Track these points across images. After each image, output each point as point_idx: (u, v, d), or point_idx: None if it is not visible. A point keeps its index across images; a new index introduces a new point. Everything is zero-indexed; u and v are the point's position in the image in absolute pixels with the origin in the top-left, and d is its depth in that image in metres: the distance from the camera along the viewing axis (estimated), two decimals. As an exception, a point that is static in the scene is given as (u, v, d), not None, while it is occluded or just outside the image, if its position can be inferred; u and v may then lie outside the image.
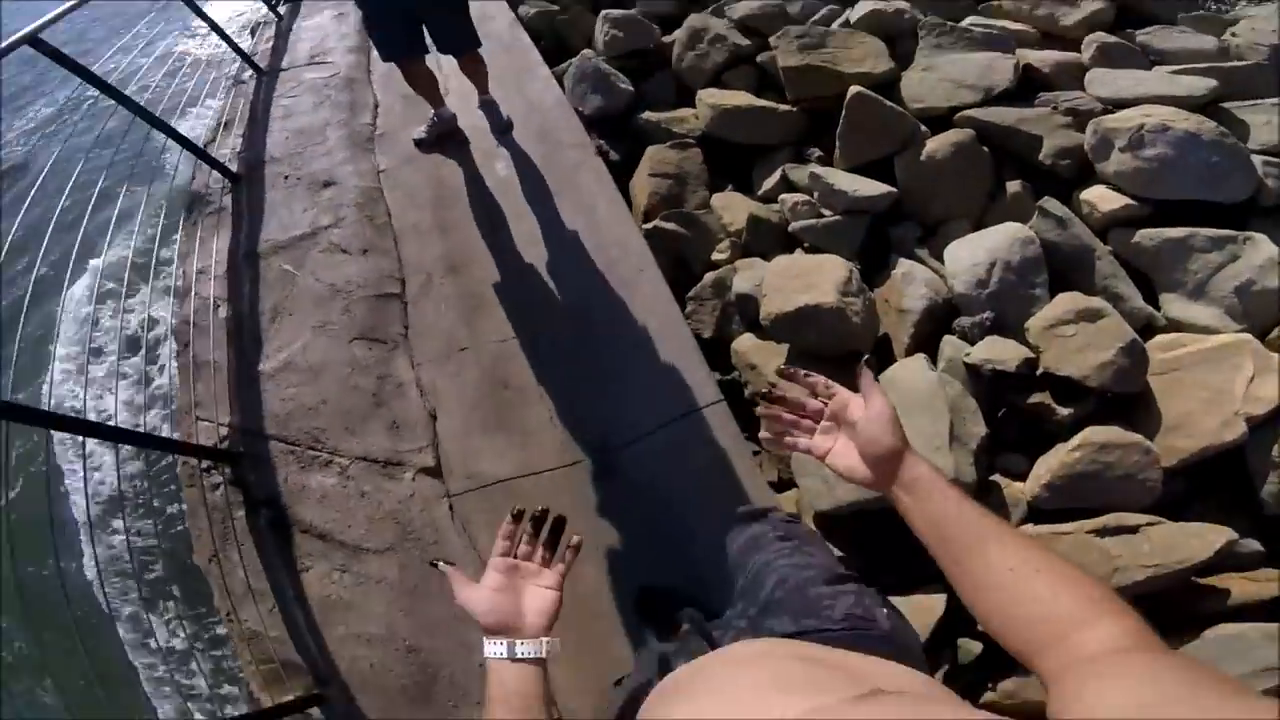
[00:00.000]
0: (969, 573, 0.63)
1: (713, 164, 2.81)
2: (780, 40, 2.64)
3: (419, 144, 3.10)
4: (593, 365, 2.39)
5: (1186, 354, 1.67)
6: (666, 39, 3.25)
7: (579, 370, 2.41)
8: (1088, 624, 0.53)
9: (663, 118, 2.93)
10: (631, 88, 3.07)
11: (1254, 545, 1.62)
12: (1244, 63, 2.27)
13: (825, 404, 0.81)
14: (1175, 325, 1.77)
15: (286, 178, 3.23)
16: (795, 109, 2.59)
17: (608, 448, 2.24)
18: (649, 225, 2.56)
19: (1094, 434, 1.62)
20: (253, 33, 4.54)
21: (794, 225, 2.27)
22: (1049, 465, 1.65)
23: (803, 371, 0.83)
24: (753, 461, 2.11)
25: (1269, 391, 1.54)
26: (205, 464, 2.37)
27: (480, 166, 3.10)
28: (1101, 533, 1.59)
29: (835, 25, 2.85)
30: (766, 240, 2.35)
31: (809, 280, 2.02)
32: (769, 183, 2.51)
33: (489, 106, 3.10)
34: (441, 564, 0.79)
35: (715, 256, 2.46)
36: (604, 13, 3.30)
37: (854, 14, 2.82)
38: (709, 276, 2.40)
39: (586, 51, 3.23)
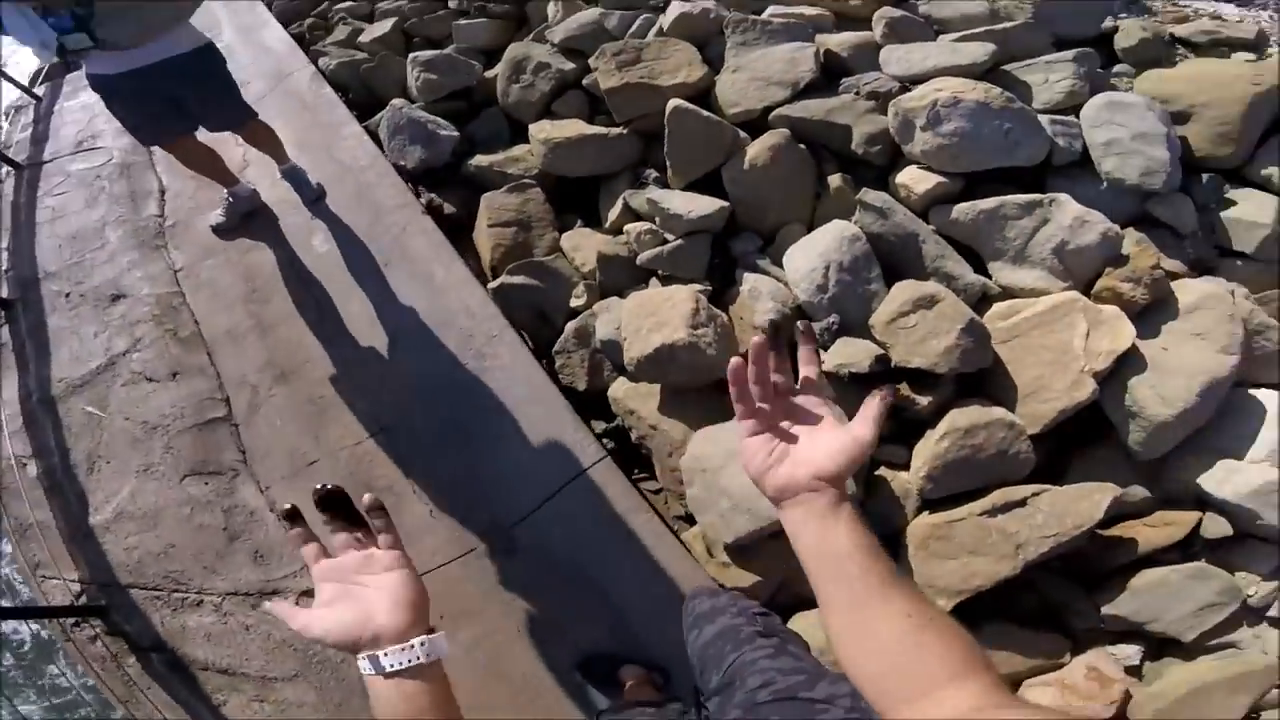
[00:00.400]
0: (855, 618, 0.59)
1: (557, 201, 2.68)
2: (599, 60, 2.52)
3: (218, 230, 2.74)
4: (463, 449, 2.23)
5: (1023, 320, 1.73)
6: (489, 74, 3.07)
7: (449, 457, 2.24)
8: (956, 681, 0.52)
9: (495, 160, 2.75)
10: (456, 132, 2.87)
11: (1140, 492, 1.70)
12: (1014, 23, 2.41)
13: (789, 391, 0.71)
14: (1008, 292, 1.83)
15: (67, 296, 2.79)
16: (627, 131, 2.50)
17: (500, 529, 2.12)
18: (497, 283, 2.40)
19: (957, 419, 1.64)
20: (6, 119, 3.93)
21: (642, 257, 2.19)
22: (924, 456, 1.66)
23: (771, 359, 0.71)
24: (648, 513, 2.03)
25: (1106, 345, 1.61)
26: (73, 621, 2.10)
27: (295, 246, 2.80)
28: (992, 512, 1.62)
29: (650, 35, 2.77)
30: (620, 276, 2.26)
31: (659, 317, 1.94)
32: (613, 213, 2.42)
33: (293, 175, 2.80)
34: (266, 605, 0.66)
35: (573, 303, 2.34)
36: (412, 56, 3.06)
37: (666, 20, 2.76)
38: (570, 327, 2.27)
39: (396, 101, 2.99)
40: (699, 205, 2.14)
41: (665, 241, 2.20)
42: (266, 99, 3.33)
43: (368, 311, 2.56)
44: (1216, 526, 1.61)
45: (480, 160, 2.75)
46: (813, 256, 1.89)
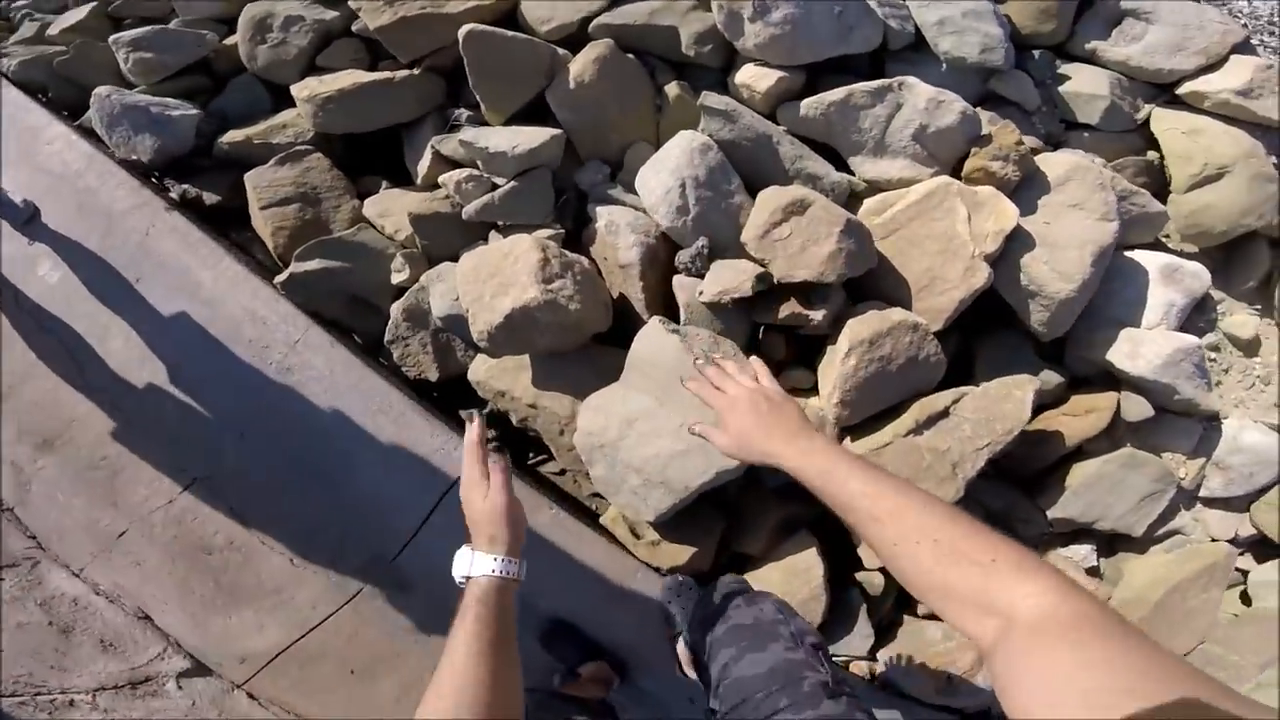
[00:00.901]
0: (887, 539, 0.61)
1: (351, 165, 2.17)
2: (361, 1, 2.03)
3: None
4: (307, 484, 1.76)
5: (899, 212, 1.57)
6: (229, 41, 2.43)
7: (293, 496, 1.76)
8: (1016, 585, 0.51)
9: (253, 132, 2.15)
10: (195, 110, 2.21)
11: (1054, 378, 1.62)
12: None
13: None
14: (875, 187, 1.68)
15: None
16: (418, 71, 2.04)
17: (382, 564, 1.72)
18: (285, 275, 1.87)
19: (858, 330, 1.45)
20: None
21: (469, 210, 1.78)
22: (832, 379, 1.46)
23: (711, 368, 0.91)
24: (551, 509, 1.67)
25: (991, 225, 1.49)
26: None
27: (16, 281, 2.06)
28: (917, 429, 1.45)
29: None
30: (447, 237, 1.82)
31: (503, 278, 1.56)
32: (424, 166, 1.96)
33: None
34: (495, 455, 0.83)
35: (395, 279, 1.87)
36: (114, 38, 2.29)
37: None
38: (396, 309, 1.81)
39: (100, 89, 2.26)
40: (525, 138, 1.76)
41: (495, 187, 1.81)
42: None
43: (133, 344, 1.92)
44: (1136, 408, 1.57)
45: (234, 136, 2.13)
46: (665, 176, 1.61)
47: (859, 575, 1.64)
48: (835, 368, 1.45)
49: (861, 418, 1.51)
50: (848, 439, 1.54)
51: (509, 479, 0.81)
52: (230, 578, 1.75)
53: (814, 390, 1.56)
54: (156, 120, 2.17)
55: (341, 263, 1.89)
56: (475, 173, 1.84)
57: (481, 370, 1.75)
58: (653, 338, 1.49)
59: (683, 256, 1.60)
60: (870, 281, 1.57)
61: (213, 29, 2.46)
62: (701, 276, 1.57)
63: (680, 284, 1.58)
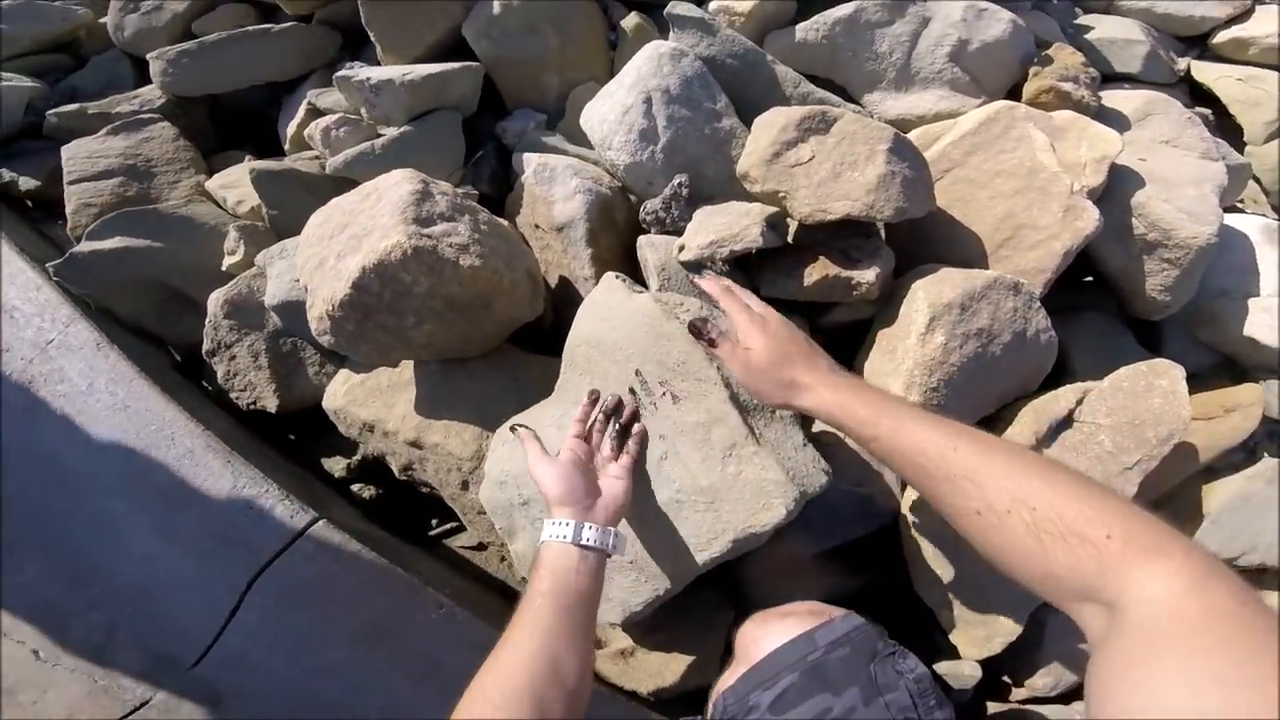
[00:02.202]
0: (967, 506, 0.39)
1: (213, 139, 1.43)
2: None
3: None
4: (54, 550, 0.80)
5: (950, 146, 0.93)
6: (102, 20, 1.74)
7: (34, 565, 0.81)
8: (1136, 567, 0.32)
9: (93, 106, 1.40)
10: (33, 83, 1.41)
11: (1205, 359, 0.96)
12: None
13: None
14: (900, 126, 1.06)
15: None
16: (306, 22, 1.38)
17: (176, 669, 0.73)
18: (62, 258, 1.07)
19: (938, 292, 0.73)
20: None
21: (334, 162, 1.06)
22: (902, 374, 0.76)
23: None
24: (435, 610, 0.84)
25: (1084, 153, 0.88)
26: None
27: None
28: (1036, 446, 0.74)
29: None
30: (302, 204, 1.05)
31: (358, 227, 0.77)
32: (292, 127, 1.25)
33: None
34: (519, 428, 0.68)
35: (226, 262, 1.10)
36: None
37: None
38: (215, 302, 0.99)
39: None
40: (426, 68, 1.10)
41: (379, 135, 1.11)
42: None
43: None
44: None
45: (65, 109, 1.36)
46: (621, 95, 0.90)
47: (941, 668, 0.88)
48: (909, 355, 0.72)
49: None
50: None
51: (541, 448, 0.65)
52: None
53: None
54: (-15, 94, 1.42)
55: (152, 242, 1.11)
56: (353, 117, 1.14)
57: (340, 393, 0.91)
58: (607, 305, 0.72)
59: (652, 205, 0.89)
60: (920, 239, 0.90)
61: (89, 6, 1.79)
62: (679, 232, 0.90)
63: (650, 244, 0.84)
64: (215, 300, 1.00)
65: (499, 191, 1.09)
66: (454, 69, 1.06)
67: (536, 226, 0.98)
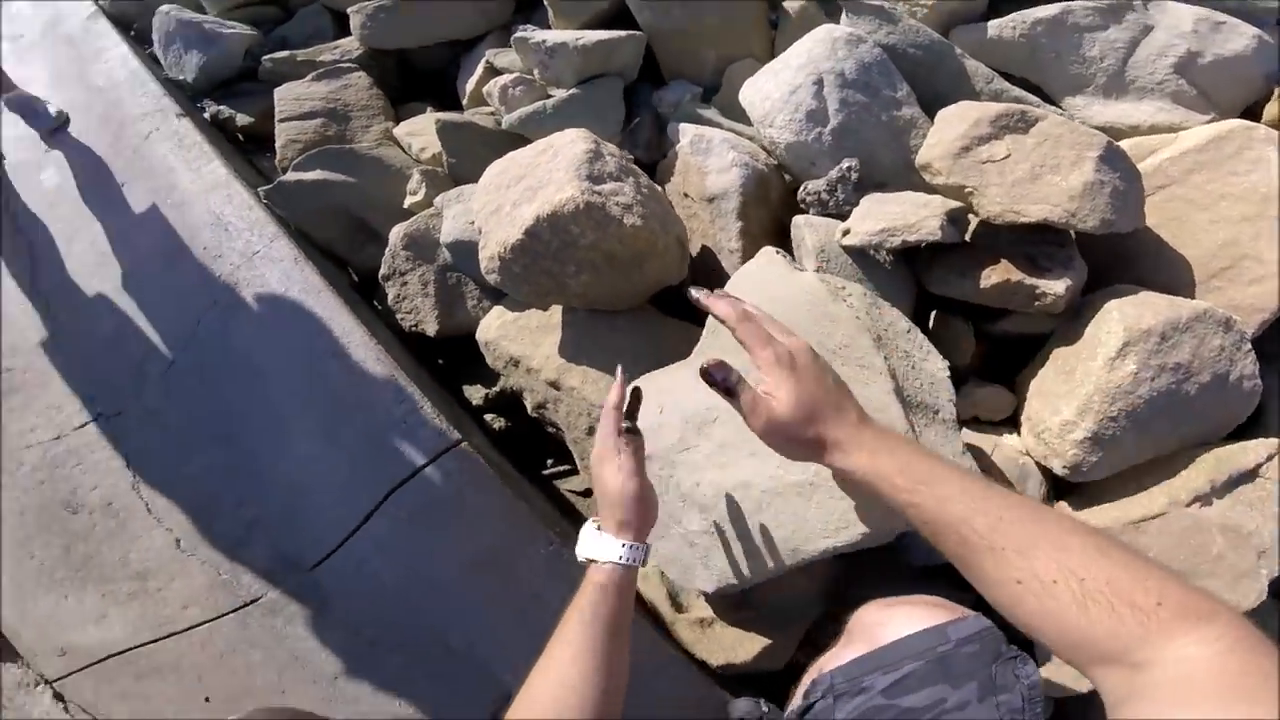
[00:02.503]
0: (1007, 576, 0.37)
1: (399, 91, 1.54)
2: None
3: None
4: (228, 443, 0.94)
5: (1168, 162, 0.81)
6: None
7: (207, 456, 0.94)
8: (1181, 633, 0.30)
9: (301, 54, 1.53)
10: (249, 30, 1.58)
11: None
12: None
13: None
14: (1110, 135, 0.93)
15: None
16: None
17: (295, 568, 0.85)
18: (272, 184, 1.20)
19: (1136, 316, 0.63)
20: None
21: (510, 118, 1.10)
22: (1078, 398, 0.67)
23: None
24: (548, 545, 0.90)
25: None
26: None
27: (18, 185, 1.42)
28: (1207, 498, 0.62)
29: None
30: (479, 154, 1.11)
31: (534, 179, 0.80)
32: (472, 83, 1.31)
33: (23, 104, 1.50)
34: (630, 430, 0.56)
35: (407, 202, 1.18)
36: None
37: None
38: (397, 235, 1.06)
39: (161, 7, 1.74)
40: (595, 34, 1.10)
41: (549, 95, 1.14)
42: (33, 48, 2.03)
43: (97, 249, 1.24)
44: None
45: (277, 55, 1.49)
46: (788, 74, 0.85)
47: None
48: (1090, 379, 0.63)
49: (1113, 470, 0.67)
50: (1062, 503, 0.75)
51: (642, 462, 0.56)
52: (88, 548, 1.00)
53: (1008, 424, 0.78)
54: (206, 37, 1.58)
55: (346, 177, 1.22)
56: (528, 77, 1.18)
57: (494, 327, 0.96)
58: (764, 278, 0.69)
59: (814, 185, 0.85)
60: (1119, 256, 0.79)
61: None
62: (843, 215, 0.85)
63: (809, 224, 0.80)
64: (396, 233, 1.08)
65: (651, 158, 1.09)
66: (620, 36, 1.05)
67: (685, 195, 0.97)
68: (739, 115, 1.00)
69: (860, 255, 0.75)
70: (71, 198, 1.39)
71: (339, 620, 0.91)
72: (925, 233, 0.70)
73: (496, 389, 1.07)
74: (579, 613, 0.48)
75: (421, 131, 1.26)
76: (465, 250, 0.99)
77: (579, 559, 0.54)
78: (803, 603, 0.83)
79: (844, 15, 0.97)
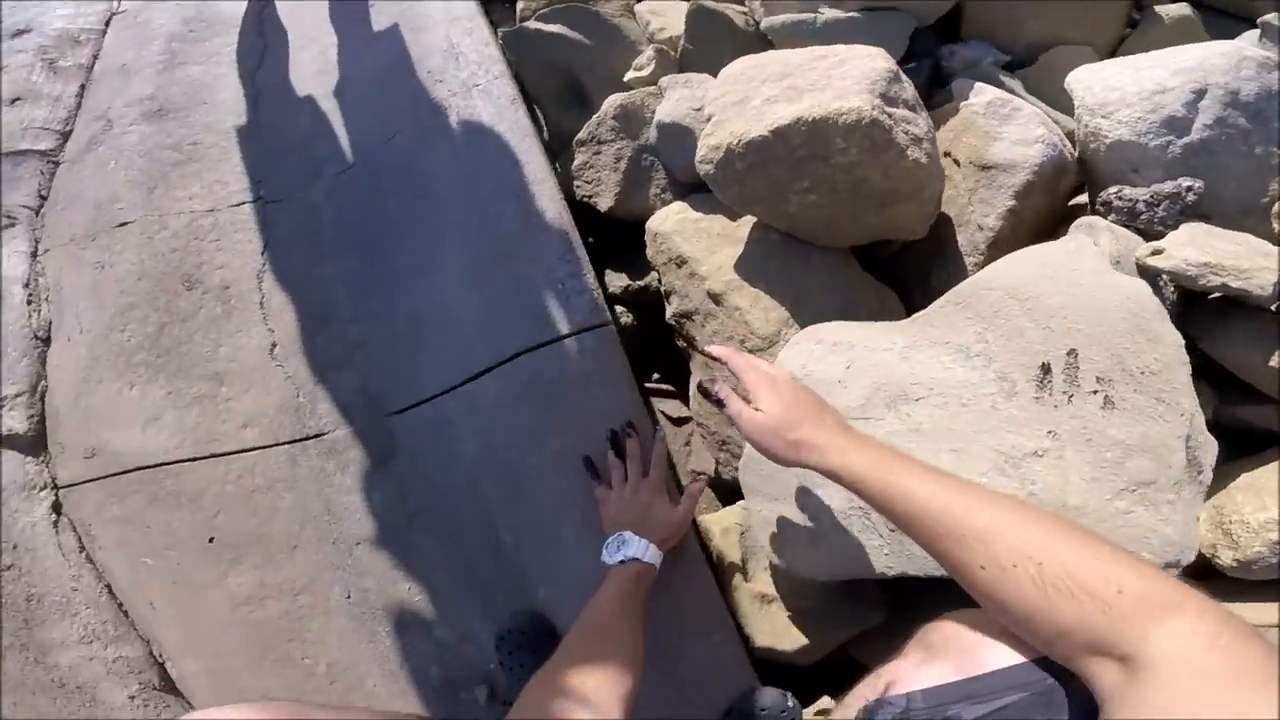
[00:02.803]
0: (973, 561, 0.40)
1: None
2: None
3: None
4: (368, 257, 0.94)
5: None
6: None
7: (338, 264, 0.94)
8: (1152, 623, 0.32)
9: None
10: None
11: None
12: None
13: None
14: None
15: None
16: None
17: (375, 412, 0.83)
18: (513, 27, 1.22)
19: None
20: None
21: (771, 21, 1.03)
22: None
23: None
24: (660, 428, 0.85)
25: None
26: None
27: None
28: None
29: None
30: (719, 47, 1.05)
31: (803, 80, 0.72)
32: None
33: None
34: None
35: (630, 75, 1.16)
36: None
37: None
38: (612, 103, 1.04)
39: None
40: (912, -37, 1.00)
41: (820, 13, 1.06)
42: None
43: (325, 58, 1.29)
44: None
45: None
46: (1159, 76, 0.70)
47: None
48: None
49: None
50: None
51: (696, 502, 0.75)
52: (182, 332, 0.99)
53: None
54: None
55: (583, 37, 1.22)
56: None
57: (671, 219, 0.91)
58: (1065, 266, 0.58)
59: (1131, 193, 0.69)
60: None
61: None
62: (1148, 233, 0.71)
63: (1111, 230, 0.65)
64: (612, 101, 1.05)
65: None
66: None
67: (946, 154, 0.85)
68: (1045, 96, 0.87)
69: (1152, 279, 0.62)
70: (318, 9, 1.46)
71: (393, 481, 0.88)
72: (1255, 285, 0.56)
73: (641, 283, 1.03)
74: (631, 609, 0.62)
75: (662, 12, 1.22)
76: (676, 134, 0.94)
77: (615, 560, 0.66)
78: (865, 608, 0.75)
79: (1260, 38, 0.80)
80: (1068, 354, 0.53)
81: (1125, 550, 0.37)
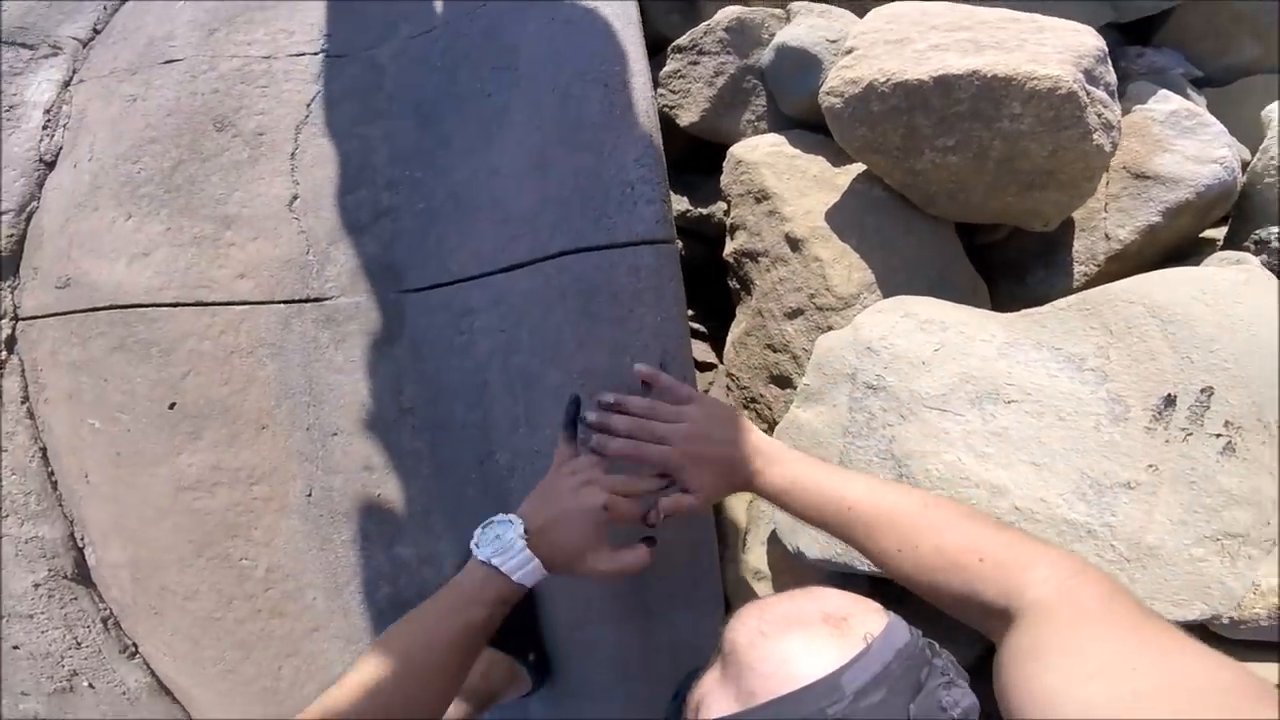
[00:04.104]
0: (888, 548, 0.50)
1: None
2: None
3: None
4: (429, 122, 0.94)
5: None
6: None
7: (395, 123, 0.94)
8: (1016, 577, 0.42)
9: None
10: None
11: None
12: None
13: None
14: None
15: None
16: None
17: (389, 285, 0.84)
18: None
19: None
20: None
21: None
22: None
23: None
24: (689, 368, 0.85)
25: None
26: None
27: None
28: None
29: None
30: None
31: (983, 36, 0.71)
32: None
33: None
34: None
35: (753, -12, 1.16)
36: None
37: None
38: (728, 14, 1.03)
39: None
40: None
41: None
42: None
43: None
44: None
45: None
46: None
47: None
48: None
49: None
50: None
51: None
52: (198, 171, 0.98)
53: None
54: None
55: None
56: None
57: (763, 149, 0.91)
58: (1227, 296, 0.57)
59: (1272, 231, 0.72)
60: None
61: None
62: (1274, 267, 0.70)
63: (1242, 262, 0.69)
64: (729, 13, 1.04)
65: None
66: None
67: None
68: (1226, 122, 0.85)
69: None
70: None
71: (391, 366, 0.86)
72: None
73: (704, 211, 1.03)
74: (470, 630, 0.52)
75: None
76: (799, 61, 0.93)
77: (481, 556, 0.54)
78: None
79: None
80: (1202, 390, 0.53)
81: (989, 520, 0.48)
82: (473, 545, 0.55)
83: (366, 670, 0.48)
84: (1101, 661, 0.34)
